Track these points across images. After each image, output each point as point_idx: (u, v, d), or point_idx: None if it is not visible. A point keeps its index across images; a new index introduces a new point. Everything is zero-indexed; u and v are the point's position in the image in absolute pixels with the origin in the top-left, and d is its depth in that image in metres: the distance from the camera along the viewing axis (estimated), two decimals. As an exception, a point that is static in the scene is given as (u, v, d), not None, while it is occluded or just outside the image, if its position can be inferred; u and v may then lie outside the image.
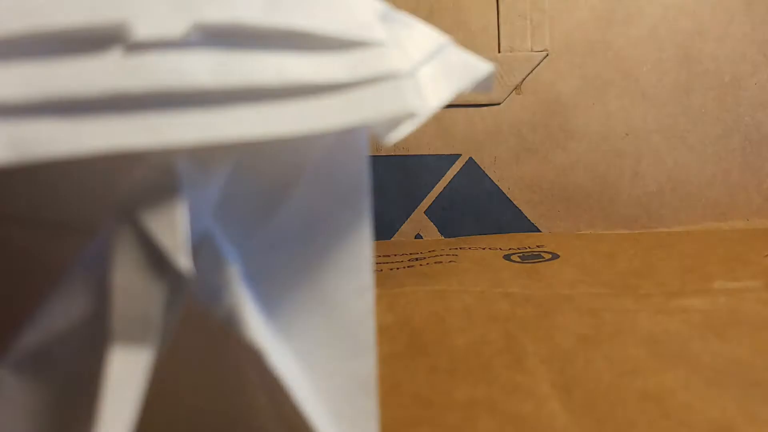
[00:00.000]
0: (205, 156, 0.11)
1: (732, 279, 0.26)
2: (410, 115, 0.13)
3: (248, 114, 0.11)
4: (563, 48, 0.42)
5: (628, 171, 0.42)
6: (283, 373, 0.12)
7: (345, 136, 0.14)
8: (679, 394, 0.16)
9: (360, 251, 0.14)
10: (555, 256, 0.33)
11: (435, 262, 0.30)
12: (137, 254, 0.11)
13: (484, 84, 0.15)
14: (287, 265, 0.14)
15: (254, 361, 0.12)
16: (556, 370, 0.18)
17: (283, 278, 0.14)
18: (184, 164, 0.11)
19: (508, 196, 0.41)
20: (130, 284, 0.10)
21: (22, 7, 0.10)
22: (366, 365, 0.14)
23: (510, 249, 0.34)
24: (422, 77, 0.14)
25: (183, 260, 0.10)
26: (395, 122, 0.13)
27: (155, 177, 0.11)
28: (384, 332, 0.22)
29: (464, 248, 0.34)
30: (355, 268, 0.14)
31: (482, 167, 0.41)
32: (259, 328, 0.12)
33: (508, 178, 0.41)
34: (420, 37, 0.15)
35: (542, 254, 0.33)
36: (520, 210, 0.41)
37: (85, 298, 0.11)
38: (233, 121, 0.11)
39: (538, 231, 0.42)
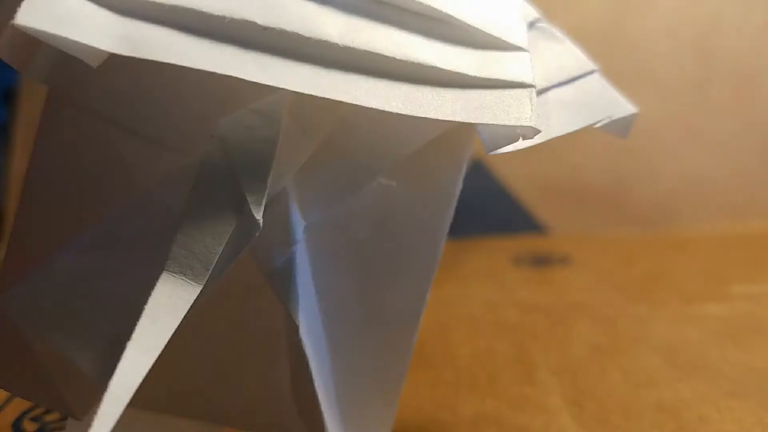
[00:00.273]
0: (306, 116, 0.12)
1: (750, 283, 0.26)
2: (526, 133, 0.12)
3: (360, 80, 0.11)
4: (577, 40, 0.41)
5: (642, 169, 0.41)
6: (311, 354, 0.12)
7: (449, 136, 0.13)
8: (695, 407, 0.16)
9: (427, 258, 0.14)
10: (566, 260, 0.32)
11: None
12: (218, 190, 0.11)
13: (622, 125, 0.14)
14: (348, 250, 0.13)
15: (287, 332, 0.12)
16: (567, 382, 0.18)
17: (340, 262, 0.13)
18: (285, 119, 0.11)
19: (517, 195, 0.41)
20: (202, 216, 0.11)
21: None
22: (397, 374, 0.14)
23: (519, 252, 0.34)
24: (553, 98, 0.13)
25: (257, 209, 0.11)
26: (508, 135, 0.12)
27: (258, 122, 0.11)
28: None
29: (470, 251, 0.34)
30: (417, 274, 0.14)
31: (490, 165, 0.41)
32: (300, 300, 0.12)
33: (517, 176, 0.41)
34: (566, 56, 0.14)
35: (553, 258, 0.33)
36: (529, 210, 0.41)
37: (156, 217, 0.11)
38: (345, 83, 0.11)
39: (548, 232, 0.41)
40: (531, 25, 0.14)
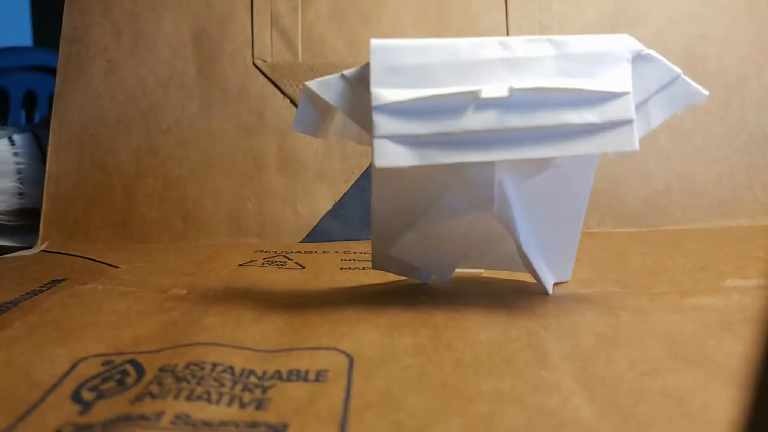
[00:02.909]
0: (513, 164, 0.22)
1: (743, 277, 0.27)
2: (633, 149, 0.21)
3: (535, 144, 0.21)
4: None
5: (637, 170, 0.42)
6: (529, 250, 0.24)
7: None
8: (698, 394, 0.16)
9: (581, 194, 0.25)
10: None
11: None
12: (468, 197, 0.23)
13: (698, 100, 0.23)
14: (541, 199, 0.24)
15: (512, 240, 0.24)
16: (578, 367, 0.18)
17: (536, 204, 0.24)
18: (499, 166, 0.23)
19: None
20: (460, 208, 0.23)
21: (423, 76, 0.21)
22: (573, 241, 0.26)
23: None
24: (651, 103, 0.22)
25: (492, 205, 0.23)
26: (623, 153, 0.21)
27: (481, 167, 0.22)
28: (406, 326, 0.22)
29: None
30: (576, 201, 0.25)
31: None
32: (519, 227, 0.24)
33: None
34: (659, 70, 0.22)
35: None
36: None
37: (439, 207, 0.23)
38: (525, 149, 0.21)
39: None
40: (636, 56, 0.22)
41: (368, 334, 0.21)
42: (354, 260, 0.35)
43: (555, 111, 0.21)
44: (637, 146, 0.20)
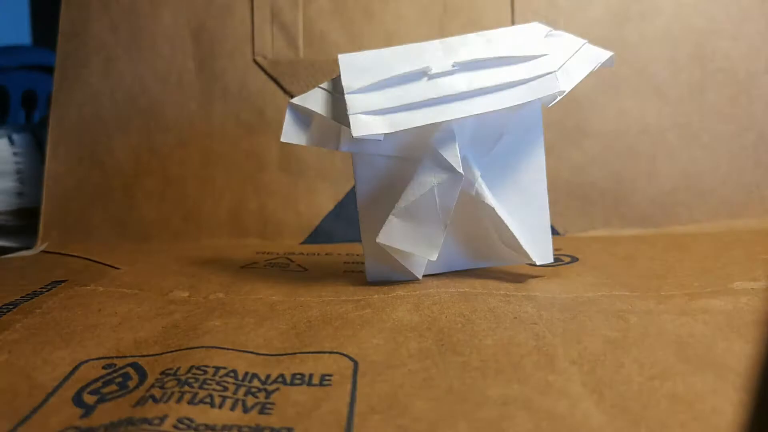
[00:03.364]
0: (463, 121, 0.26)
1: (751, 279, 0.27)
2: (561, 92, 0.26)
3: (482, 100, 0.26)
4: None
5: (643, 169, 0.42)
6: (502, 215, 0.27)
7: (529, 105, 0.27)
8: (708, 398, 0.16)
9: (537, 161, 0.28)
10: (574, 259, 0.33)
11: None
12: (437, 166, 0.26)
13: (608, 63, 0.28)
14: (502, 170, 0.28)
15: (489, 213, 0.28)
16: (586, 371, 0.18)
17: (500, 177, 0.28)
18: (455, 125, 0.26)
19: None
20: (432, 178, 0.26)
21: (386, 68, 0.26)
22: (543, 217, 0.28)
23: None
24: (568, 66, 0.27)
25: (458, 167, 0.26)
26: (552, 97, 0.26)
27: (443, 134, 0.26)
28: (412, 330, 0.22)
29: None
30: (534, 169, 0.28)
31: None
32: (490, 197, 0.27)
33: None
34: (568, 42, 0.27)
35: (561, 257, 0.33)
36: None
37: (416, 188, 0.26)
38: (475, 105, 0.26)
39: (554, 230, 0.42)
40: (547, 35, 0.27)
41: (373, 338, 0.21)
42: (357, 263, 0.34)
43: (492, 73, 0.26)
44: (562, 87, 0.26)
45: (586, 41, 0.27)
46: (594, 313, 0.23)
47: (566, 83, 0.26)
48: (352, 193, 0.43)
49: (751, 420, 0.09)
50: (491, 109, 0.26)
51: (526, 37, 0.27)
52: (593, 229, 0.42)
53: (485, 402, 0.17)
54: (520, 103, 0.26)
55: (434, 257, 0.27)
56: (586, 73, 0.27)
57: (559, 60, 0.27)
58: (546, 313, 0.23)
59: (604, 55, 0.27)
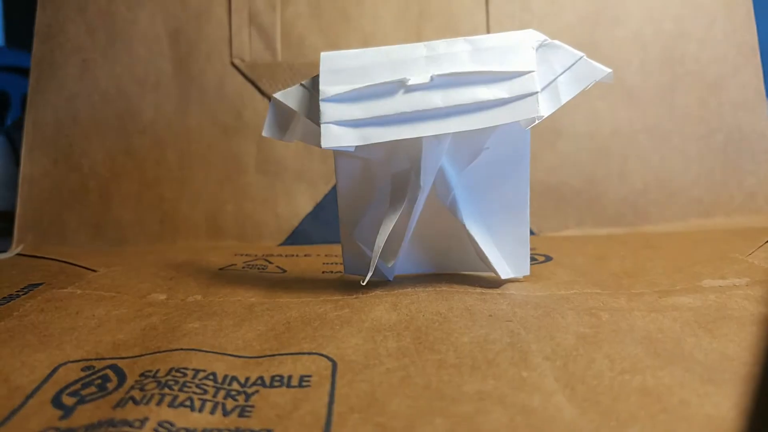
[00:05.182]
0: (439, 136, 0.25)
1: (719, 277, 0.27)
2: (540, 117, 0.24)
3: (457, 119, 0.25)
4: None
5: (615, 170, 0.43)
6: (473, 232, 0.27)
7: (510, 124, 0.25)
8: (676, 391, 0.17)
9: (520, 176, 0.27)
10: (548, 258, 0.33)
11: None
12: (410, 176, 0.26)
13: (606, 79, 0.26)
14: (485, 181, 0.27)
15: (461, 227, 0.27)
16: (559, 367, 0.19)
17: (482, 189, 0.27)
18: (428, 140, 0.25)
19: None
20: (404, 185, 0.26)
21: (365, 74, 0.25)
22: (522, 230, 0.28)
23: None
24: (560, 82, 0.25)
25: (422, 179, 0.25)
26: (531, 120, 0.25)
27: (418, 144, 0.25)
28: (390, 329, 0.22)
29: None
30: (517, 183, 0.27)
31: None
32: (464, 211, 0.27)
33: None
34: (562, 54, 0.25)
35: (535, 257, 0.34)
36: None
37: (391, 192, 0.27)
38: (450, 123, 0.25)
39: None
40: (541, 45, 0.25)
41: (351, 338, 0.21)
42: (336, 263, 0.35)
43: (471, 90, 0.25)
44: (541, 113, 0.24)
45: (582, 55, 0.25)
46: (567, 311, 0.23)
47: (549, 105, 0.25)
48: (330, 195, 0.43)
49: (752, 420, 0.09)
50: (465, 129, 0.24)
51: (516, 47, 0.25)
52: (567, 229, 0.42)
53: (461, 398, 0.17)
54: (495, 125, 0.24)
55: (389, 264, 0.27)
56: (576, 92, 0.25)
57: (547, 78, 0.25)
58: (520, 311, 0.24)
59: (601, 72, 0.25)
